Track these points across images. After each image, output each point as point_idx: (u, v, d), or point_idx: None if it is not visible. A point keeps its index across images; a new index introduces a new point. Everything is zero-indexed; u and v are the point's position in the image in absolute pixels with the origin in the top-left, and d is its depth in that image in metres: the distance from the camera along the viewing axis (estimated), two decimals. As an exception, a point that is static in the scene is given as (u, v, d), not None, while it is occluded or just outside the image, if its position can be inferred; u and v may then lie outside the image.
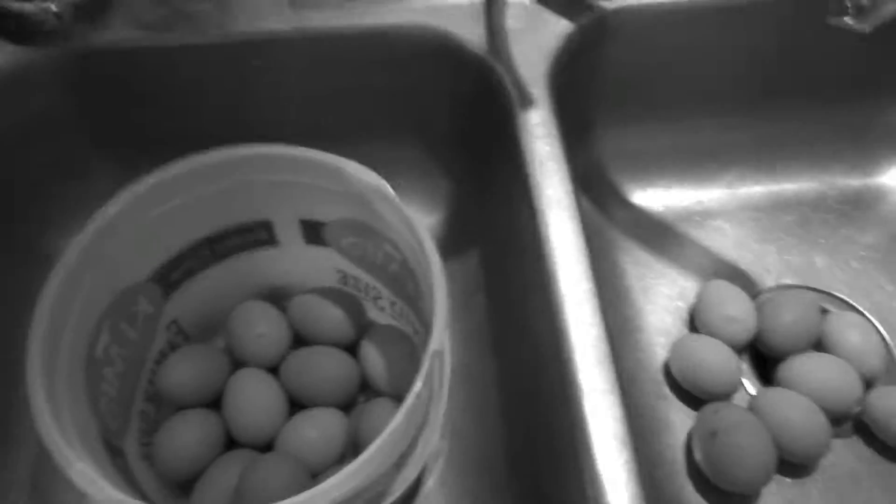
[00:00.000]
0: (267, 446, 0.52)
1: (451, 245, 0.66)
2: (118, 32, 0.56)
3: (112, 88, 0.58)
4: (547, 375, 0.48)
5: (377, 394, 0.55)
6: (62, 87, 0.57)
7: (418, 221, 0.43)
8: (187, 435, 0.51)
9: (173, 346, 0.54)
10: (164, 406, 0.54)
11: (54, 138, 0.59)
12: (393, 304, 0.55)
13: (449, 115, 0.63)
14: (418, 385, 0.39)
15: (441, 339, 0.40)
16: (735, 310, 0.59)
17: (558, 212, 0.49)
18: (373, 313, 0.58)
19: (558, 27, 0.58)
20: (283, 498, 0.41)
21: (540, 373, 0.50)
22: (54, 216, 0.62)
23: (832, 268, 0.65)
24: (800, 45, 0.63)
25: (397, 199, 0.45)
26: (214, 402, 0.53)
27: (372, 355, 0.54)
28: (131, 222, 0.46)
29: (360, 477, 0.37)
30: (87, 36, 0.55)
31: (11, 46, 0.55)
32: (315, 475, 0.51)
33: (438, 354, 0.40)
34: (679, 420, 0.58)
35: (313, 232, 0.53)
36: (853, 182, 0.70)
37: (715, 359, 0.57)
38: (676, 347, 0.59)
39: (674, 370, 0.59)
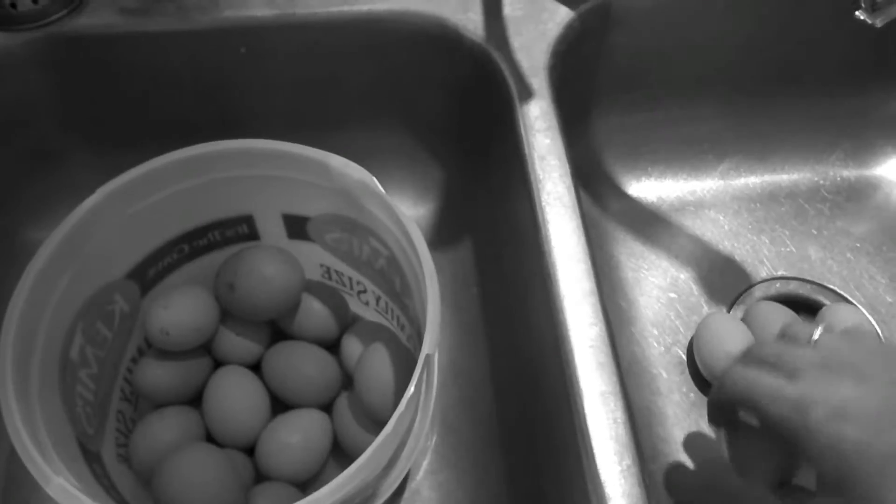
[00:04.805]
0: (248, 447, 0.51)
1: (442, 236, 0.65)
2: (98, 17, 0.53)
3: (91, 75, 0.56)
4: (545, 374, 0.47)
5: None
6: (39, 73, 0.54)
7: (408, 219, 0.42)
8: (164, 433, 0.49)
9: (150, 343, 0.52)
10: (141, 405, 0.52)
11: (30, 125, 0.57)
12: (378, 298, 0.54)
13: (444, 105, 0.61)
14: (410, 390, 0.38)
15: (433, 343, 0.39)
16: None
17: (559, 209, 0.48)
18: (358, 308, 0.57)
19: (558, 15, 0.56)
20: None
21: (538, 371, 0.49)
22: (29, 206, 0.60)
23: (826, 259, 0.65)
24: (797, 35, 0.62)
25: (385, 195, 0.43)
26: (195, 401, 0.52)
27: (355, 351, 0.53)
28: (108, 219, 0.44)
29: (348, 488, 0.36)
30: (65, 20, 0.53)
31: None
32: (298, 481, 0.50)
33: (430, 359, 0.39)
34: (673, 414, 0.57)
35: (297, 226, 0.51)
36: (848, 173, 0.70)
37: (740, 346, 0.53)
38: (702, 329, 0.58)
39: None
